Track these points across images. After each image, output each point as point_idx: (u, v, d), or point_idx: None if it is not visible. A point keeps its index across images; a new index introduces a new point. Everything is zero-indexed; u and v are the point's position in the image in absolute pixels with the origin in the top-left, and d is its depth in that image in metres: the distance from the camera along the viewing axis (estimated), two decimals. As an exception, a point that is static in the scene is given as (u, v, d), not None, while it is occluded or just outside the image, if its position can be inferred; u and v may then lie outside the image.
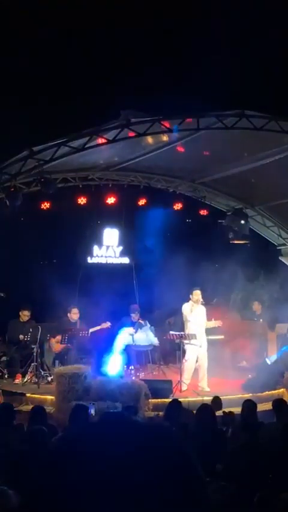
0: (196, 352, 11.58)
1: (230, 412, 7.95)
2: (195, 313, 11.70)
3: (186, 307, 11.83)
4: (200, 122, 9.93)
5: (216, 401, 8.59)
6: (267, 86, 11.84)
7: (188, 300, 11.87)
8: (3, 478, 4.68)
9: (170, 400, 8.77)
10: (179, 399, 8.69)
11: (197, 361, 11.66)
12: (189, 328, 11.63)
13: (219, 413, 8.02)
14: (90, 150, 10.31)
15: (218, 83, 11.67)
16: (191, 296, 11.82)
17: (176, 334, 11.73)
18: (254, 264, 13.77)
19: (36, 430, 6.20)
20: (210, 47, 12.24)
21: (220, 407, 8.36)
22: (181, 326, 12.24)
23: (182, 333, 11.62)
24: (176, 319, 13.62)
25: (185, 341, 11.56)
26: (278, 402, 7.70)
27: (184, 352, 11.65)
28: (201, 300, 11.89)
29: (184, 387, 11.14)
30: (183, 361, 11.56)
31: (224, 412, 7.98)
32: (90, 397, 9.73)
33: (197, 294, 11.78)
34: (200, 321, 11.75)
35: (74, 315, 12.59)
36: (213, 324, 12.02)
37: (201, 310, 11.89)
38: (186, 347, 11.57)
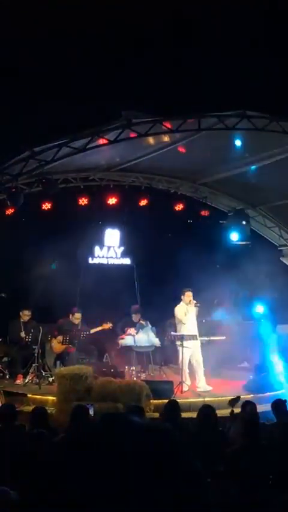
0: (189, 354, 11.54)
1: (232, 412, 7.95)
2: (189, 315, 11.65)
3: (180, 310, 11.71)
4: (201, 123, 9.94)
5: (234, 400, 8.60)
6: (268, 87, 11.83)
7: (179, 301, 11.79)
8: (5, 479, 4.69)
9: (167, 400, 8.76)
10: (180, 400, 8.69)
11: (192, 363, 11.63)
12: (184, 330, 11.58)
13: (223, 412, 8.01)
14: (92, 151, 10.31)
15: (219, 83, 11.68)
16: (182, 297, 11.72)
17: (176, 335, 11.72)
18: (255, 264, 13.74)
19: (36, 433, 6.20)
20: (211, 48, 12.24)
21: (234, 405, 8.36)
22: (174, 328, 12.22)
23: (183, 333, 11.60)
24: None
25: (177, 343, 11.53)
26: (278, 403, 7.68)
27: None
28: (194, 300, 11.77)
29: (185, 388, 11.14)
30: (179, 362, 11.55)
31: (232, 411, 7.97)
32: (91, 397, 9.74)
33: (189, 296, 11.70)
34: (193, 322, 11.71)
35: (76, 319, 12.59)
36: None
37: (193, 310, 11.81)
38: (179, 348, 11.54)
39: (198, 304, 11.83)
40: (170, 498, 1.05)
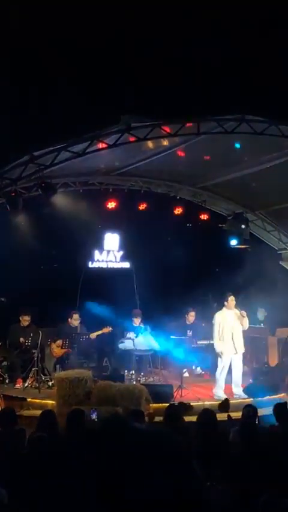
0: (230, 358, 11.31)
1: (229, 416, 7.97)
2: (228, 319, 11.35)
3: (219, 317, 11.40)
4: (200, 127, 9.96)
5: (224, 404, 8.63)
6: (268, 91, 11.85)
7: (221, 308, 11.55)
8: (4, 482, 4.68)
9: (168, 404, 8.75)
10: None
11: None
12: (224, 335, 11.26)
13: (223, 416, 8.03)
14: (91, 155, 10.32)
15: (219, 87, 11.69)
16: (226, 303, 11.43)
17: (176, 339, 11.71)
18: (254, 268, 13.75)
19: (36, 437, 6.19)
20: (210, 50, 12.26)
21: (227, 410, 8.39)
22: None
23: (183, 337, 11.58)
24: (177, 324, 13.61)
25: (219, 348, 11.26)
26: (279, 407, 7.69)
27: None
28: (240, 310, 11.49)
29: (222, 394, 10.88)
30: (220, 369, 11.25)
31: (228, 415, 8.00)
32: (91, 401, 9.74)
33: (232, 300, 11.40)
34: (234, 325, 11.40)
35: (74, 321, 12.60)
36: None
37: (234, 314, 11.51)
38: (221, 353, 11.26)
39: (244, 313, 11.46)
40: (170, 503, 1.05)
